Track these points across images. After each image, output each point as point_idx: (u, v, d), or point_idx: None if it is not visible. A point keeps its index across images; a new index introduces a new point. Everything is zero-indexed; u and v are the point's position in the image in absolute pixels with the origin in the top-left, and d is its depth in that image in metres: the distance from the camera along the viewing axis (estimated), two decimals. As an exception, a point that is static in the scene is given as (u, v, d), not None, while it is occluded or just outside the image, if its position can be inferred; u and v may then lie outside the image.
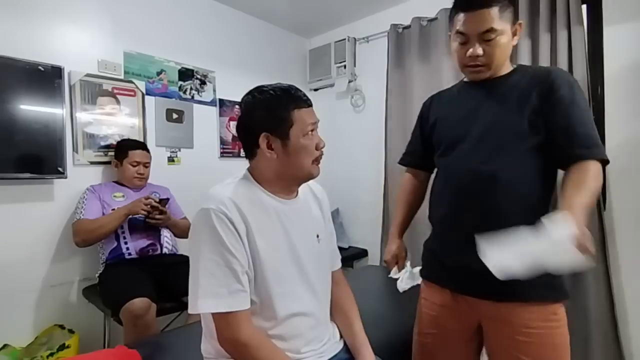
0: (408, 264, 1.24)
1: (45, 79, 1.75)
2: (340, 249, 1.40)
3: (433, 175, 1.20)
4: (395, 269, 1.21)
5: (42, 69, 1.74)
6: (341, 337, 1.00)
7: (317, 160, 0.90)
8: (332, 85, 3.03)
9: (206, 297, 0.77)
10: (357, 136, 2.95)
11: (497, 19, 0.91)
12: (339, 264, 1.08)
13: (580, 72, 1.82)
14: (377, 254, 2.71)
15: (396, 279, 1.21)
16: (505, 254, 0.76)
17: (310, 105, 0.90)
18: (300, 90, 0.90)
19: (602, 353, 1.77)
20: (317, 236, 0.96)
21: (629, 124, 1.79)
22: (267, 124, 0.85)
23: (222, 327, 0.79)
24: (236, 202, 0.82)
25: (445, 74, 2.32)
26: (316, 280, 0.92)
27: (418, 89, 2.44)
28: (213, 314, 0.79)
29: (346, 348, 0.97)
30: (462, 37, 0.96)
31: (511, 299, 0.91)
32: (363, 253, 2.90)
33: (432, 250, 1.09)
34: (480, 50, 0.94)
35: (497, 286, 0.83)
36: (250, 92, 0.90)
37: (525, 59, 1.98)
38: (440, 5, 2.32)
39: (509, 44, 0.96)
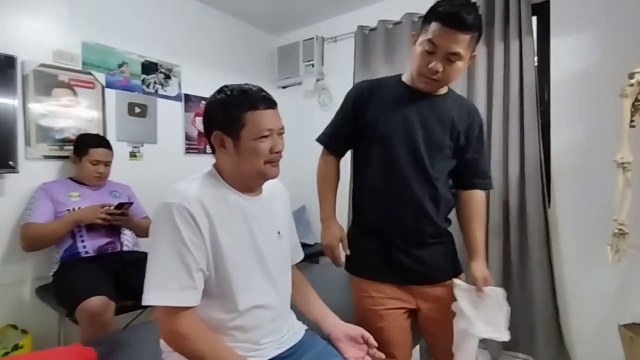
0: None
1: (-5, 69, 1.66)
2: (306, 245, 1.43)
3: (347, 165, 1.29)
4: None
5: (-8, 58, 1.65)
6: (302, 325, 1.03)
7: (271, 162, 0.90)
8: (300, 84, 3.05)
9: (156, 290, 0.78)
10: (325, 134, 2.99)
11: (466, 45, 0.99)
12: (300, 257, 1.12)
13: (530, 79, 1.96)
14: (343, 250, 2.77)
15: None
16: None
17: (271, 107, 0.88)
18: (262, 92, 0.89)
19: (546, 337, 1.92)
20: (279, 233, 0.99)
21: (572, 128, 1.95)
22: (220, 122, 0.88)
23: (163, 319, 0.80)
24: (200, 198, 0.83)
25: (409, 76, 2.41)
26: (277, 274, 0.95)
27: (383, 90, 2.52)
28: (158, 307, 0.80)
29: (304, 339, 1.00)
30: (432, 47, 1.00)
31: (438, 282, 1.16)
32: (329, 249, 2.95)
33: (373, 251, 1.16)
34: (440, 67, 1.01)
35: (429, 276, 1.14)
36: (215, 91, 0.92)
37: (481, 66, 2.10)
38: (405, 9, 2.41)
39: (463, 69, 1.05)
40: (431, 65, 1.01)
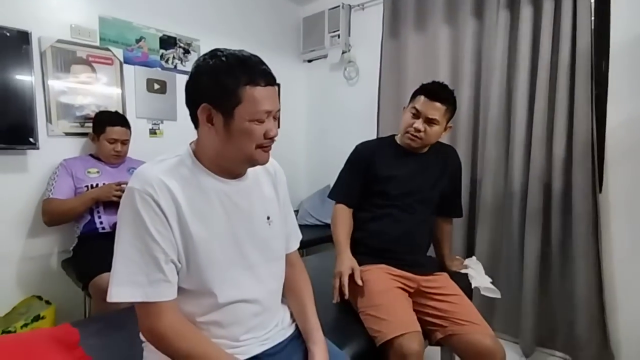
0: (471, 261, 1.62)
1: (11, 45, 1.66)
2: (329, 225, 1.42)
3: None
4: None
5: (8, 34, 1.65)
6: (293, 321, 0.95)
7: (262, 147, 0.79)
8: (325, 57, 2.89)
9: (122, 285, 0.70)
10: (351, 109, 2.84)
11: (442, 114, 1.33)
12: (296, 245, 1.01)
13: (585, 44, 1.68)
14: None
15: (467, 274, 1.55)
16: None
17: (271, 84, 0.76)
18: (263, 64, 0.77)
19: (588, 337, 1.72)
20: (268, 218, 0.89)
21: (634, 101, 1.66)
22: (210, 94, 0.74)
23: (141, 315, 0.73)
24: (166, 182, 0.73)
25: (442, 44, 2.17)
26: (261, 265, 0.85)
27: (412, 60, 2.31)
28: (133, 302, 0.73)
29: (298, 332, 0.93)
30: (416, 111, 1.34)
31: (429, 273, 1.38)
32: (353, 231, 2.85)
33: (381, 250, 1.37)
34: (422, 127, 1.33)
35: (421, 267, 1.37)
36: (204, 54, 0.79)
37: (525, 28, 1.83)
38: (439, -32, 2.15)
39: (440, 133, 1.37)
40: (415, 125, 1.33)
